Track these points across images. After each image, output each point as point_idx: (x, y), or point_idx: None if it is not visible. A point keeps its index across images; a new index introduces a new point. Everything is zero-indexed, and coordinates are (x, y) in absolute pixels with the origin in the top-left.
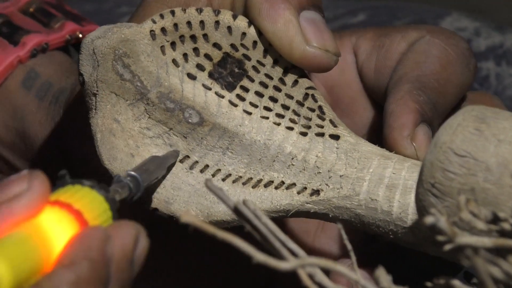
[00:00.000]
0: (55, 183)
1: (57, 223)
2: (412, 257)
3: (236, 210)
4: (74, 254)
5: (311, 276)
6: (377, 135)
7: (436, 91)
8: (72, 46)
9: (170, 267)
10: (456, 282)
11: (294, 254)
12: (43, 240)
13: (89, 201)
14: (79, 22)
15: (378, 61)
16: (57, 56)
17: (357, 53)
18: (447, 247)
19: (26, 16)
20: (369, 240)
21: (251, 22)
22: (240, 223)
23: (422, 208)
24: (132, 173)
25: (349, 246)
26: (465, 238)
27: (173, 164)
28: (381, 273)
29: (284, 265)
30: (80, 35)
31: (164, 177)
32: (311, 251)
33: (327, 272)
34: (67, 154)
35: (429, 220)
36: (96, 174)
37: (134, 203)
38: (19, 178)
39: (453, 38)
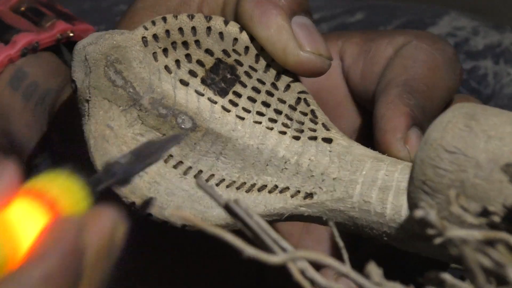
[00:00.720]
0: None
1: (26, 215)
2: (402, 260)
3: (227, 208)
4: (44, 247)
5: (302, 272)
6: (363, 139)
7: (424, 95)
8: (64, 46)
9: (163, 267)
10: (446, 276)
11: (285, 251)
12: (8, 235)
13: (66, 189)
14: (70, 21)
15: (365, 66)
16: (45, 56)
17: (343, 57)
18: (437, 240)
19: (17, 14)
20: (356, 245)
21: (242, 28)
22: (234, 228)
23: (413, 206)
24: (121, 160)
25: (340, 244)
26: (455, 231)
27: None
28: (372, 268)
29: (274, 259)
30: (71, 34)
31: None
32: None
33: (317, 268)
34: (53, 155)
35: (418, 213)
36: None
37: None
38: None
39: (439, 43)
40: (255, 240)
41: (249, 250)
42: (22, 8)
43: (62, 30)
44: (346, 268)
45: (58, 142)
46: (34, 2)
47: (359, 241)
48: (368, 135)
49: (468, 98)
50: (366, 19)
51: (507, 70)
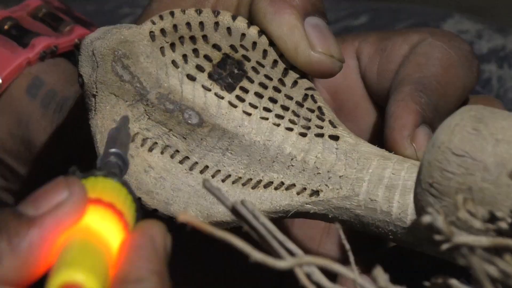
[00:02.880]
0: None
1: (102, 221)
2: (417, 262)
3: (233, 210)
4: (137, 268)
5: (308, 276)
6: (381, 138)
7: (437, 93)
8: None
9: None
10: (453, 282)
11: (292, 254)
12: (100, 241)
13: (111, 190)
14: (88, 27)
15: (381, 65)
16: (61, 64)
17: (360, 57)
18: (444, 246)
19: (36, 20)
20: (374, 246)
21: (250, 23)
22: (240, 224)
23: (420, 208)
24: (115, 150)
25: (347, 246)
26: (462, 237)
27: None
28: (379, 272)
29: (281, 264)
30: None
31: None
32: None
33: (333, 274)
34: (71, 162)
35: (426, 219)
36: None
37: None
38: (56, 185)
39: (455, 40)
40: (262, 243)
41: (256, 255)
42: (40, 14)
43: (80, 35)
44: (353, 273)
45: (78, 147)
46: (52, 8)
47: (379, 240)
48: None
49: (487, 98)
50: (370, 22)
51: (511, 74)
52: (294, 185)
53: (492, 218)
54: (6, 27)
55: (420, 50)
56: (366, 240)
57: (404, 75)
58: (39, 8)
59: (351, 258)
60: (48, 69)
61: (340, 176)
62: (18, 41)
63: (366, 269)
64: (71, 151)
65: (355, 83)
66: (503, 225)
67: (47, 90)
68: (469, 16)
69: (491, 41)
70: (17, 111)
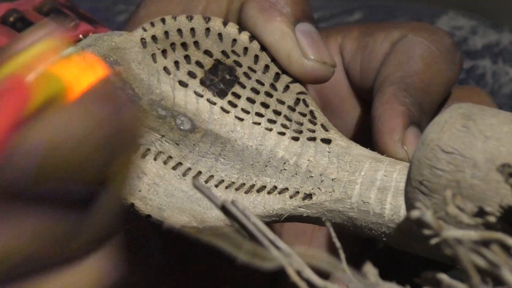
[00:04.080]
0: None
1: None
2: (411, 264)
3: (223, 209)
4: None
5: (298, 272)
6: (369, 134)
7: (421, 91)
8: None
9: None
10: (443, 276)
11: (283, 252)
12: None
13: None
14: (92, 24)
15: (363, 63)
16: None
17: (343, 54)
18: (433, 240)
19: (41, 14)
20: (368, 248)
21: (241, 29)
22: (231, 224)
23: (411, 206)
24: None
25: (337, 244)
26: (451, 232)
27: None
28: (369, 268)
29: (268, 265)
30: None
31: None
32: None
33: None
34: None
35: (414, 214)
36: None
37: None
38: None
39: (436, 34)
40: (252, 242)
41: (242, 256)
42: (45, 9)
43: (84, 31)
44: (342, 268)
45: None
46: (57, 3)
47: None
48: (371, 135)
49: (471, 89)
50: (364, 19)
51: (505, 69)
52: (287, 189)
53: (481, 213)
54: (11, 19)
55: (401, 47)
56: (361, 243)
57: (386, 75)
58: (44, 3)
59: (342, 255)
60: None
61: (332, 179)
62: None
63: (356, 265)
64: None
65: (340, 79)
66: (492, 219)
67: None
68: (463, 12)
69: (486, 37)
70: None
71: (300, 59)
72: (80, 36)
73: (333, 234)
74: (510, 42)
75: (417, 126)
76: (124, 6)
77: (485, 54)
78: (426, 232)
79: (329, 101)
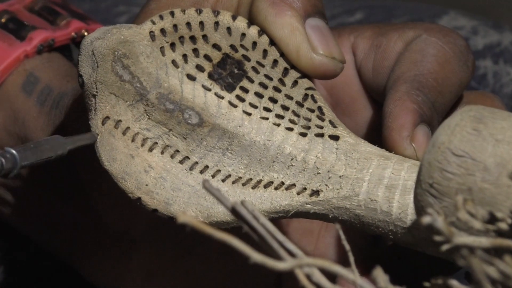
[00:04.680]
0: None
1: None
2: (417, 261)
3: (233, 211)
4: None
5: (308, 277)
6: (378, 133)
7: (434, 90)
8: (76, 46)
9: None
10: (453, 282)
11: (292, 254)
12: None
13: None
14: (84, 21)
15: (376, 61)
16: (56, 59)
17: (356, 52)
18: (444, 247)
19: (32, 13)
20: (374, 245)
21: (250, 23)
22: (240, 224)
23: (420, 208)
24: (10, 149)
25: (347, 247)
26: (462, 238)
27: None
28: (379, 273)
29: (281, 265)
30: (86, 33)
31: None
32: (315, 251)
33: (333, 275)
34: (70, 159)
35: (426, 220)
36: (100, 177)
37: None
38: None
39: (450, 35)
40: (261, 243)
41: (256, 256)
42: (37, 8)
43: (77, 29)
44: (353, 274)
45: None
46: (48, 1)
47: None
48: (381, 131)
49: (483, 94)
50: (365, 19)
51: (506, 69)
52: (294, 185)
53: (492, 219)
54: (3, 20)
55: (415, 47)
56: (367, 239)
57: (399, 73)
58: (35, 1)
59: (351, 259)
60: (42, 66)
61: (340, 176)
62: (15, 35)
63: (365, 267)
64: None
65: (351, 78)
66: (503, 225)
67: (43, 86)
68: (464, 12)
69: (487, 37)
70: (13, 108)
71: (309, 54)
72: (73, 34)
73: (343, 237)
74: (511, 42)
75: (427, 125)
76: (125, 7)
77: (486, 54)
78: (437, 238)
79: (340, 100)
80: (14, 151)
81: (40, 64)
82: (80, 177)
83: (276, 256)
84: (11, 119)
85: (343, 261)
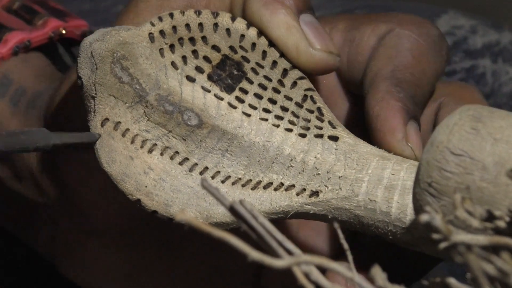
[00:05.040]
0: None
1: None
2: (400, 251)
3: (232, 210)
4: None
5: (306, 275)
6: (357, 126)
7: (412, 85)
8: (60, 44)
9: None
10: (452, 281)
11: (291, 254)
12: None
13: None
14: (62, 18)
15: (350, 55)
16: (32, 59)
17: None
18: (442, 245)
19: (9, 13)
20: (354, 236)
21: (250, 24)
22: (239, 224)
23: (419, 207)
24: None
25: (345, 246)
26: (460, 236)
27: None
28: (376, 271)
29: (279, 263)
30: (64, 31)
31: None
32: (296, 242)
33: (322, 270)
34: (52, 158)
35: (424, 218)
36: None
37: None
38: None
39: (423, 27)
40: (260, 242)
41: (254, 254)
42: (14, 7)
43: (54, 28)
44: (352, 273)
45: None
46: (25, 0)
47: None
48: (361, 123)
49: (462, 86)
50: None
51: (505, 69)
52: (293, 186)
53: (490, 217)
54: None
55: (389, 42)
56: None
57: (376, 70)
58: (13, 1)
59: (350, 257)
60: (16, 67)
61: (339, 177)
62: None
63: (359, 262)
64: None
65: None
66: (501, 223)
67: (16, 88)
68: (463, 12)
69: (486, 36)
70: None
71: (308, 50)
72: (50, 33)
73: (341, 236)
74: (510, 41)
75: (415, 120)
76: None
77: (485, 54)
78: (435, 236)
79: (319, 92)
80: None
81: (14, 66)
82: (62, 170)
83: (274, 255)
84: None
85: (322, 253)
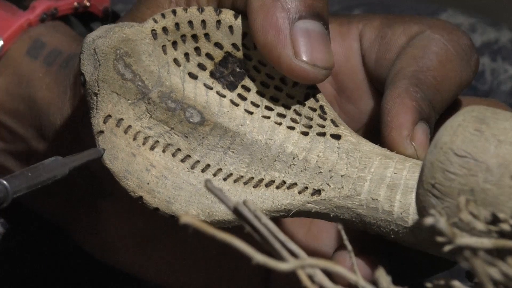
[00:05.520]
0: None
1: None
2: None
3: (236, 211)
4: None
5: (310, 277)
6: (378, 123)
7: (432, 88)
8: (76, 18)
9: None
10: (455, 283)
11: (294, 255)
12: None
13: None
14: None
15: (379, 52)
16: (61, 27)
17: (362, 41)
18: (447, 248)
19: None
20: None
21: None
22: (241, 224)
23: (422, 208)
24: (1, 180)
25: (349, 247)
26: (465, 239)
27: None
28: (381, 274)
29: (283, 266)
30: (88, 4)
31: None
32: (308, 233)
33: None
34: (76, 118)
35: (428, 221)
36: None
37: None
38: None
39: (454, 33)
40: (264, 244)
41: (258, 257)
42: None
43: (45, 9)
44: (356, 276)
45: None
46: None
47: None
48: (380, 128)
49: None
50: None
51: (504, 67)
52: (295, 184)
53: (495, 220)
54: None
55: (418, 42)
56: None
57: (399, 68)
58: None
59: (354, 259)
60: (47, 31)
61: (342, 175)
62: (18, 4)
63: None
64: (76, 107)
65: (357, 66)
66: (506, 226)
67: (50, 50)
68: (462, 10)
69: (485, 34)
70: (16, 72)
71: (288, 59)
72: (75, 3)
73: (345, 237)
74: (509, 39)
75: (426, 122)
76: (123, 6)
77: (484, 52)
78: (439, 239)
79: (345, 87)
80: (5, 182)
81: (45, 31)
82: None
83: (278, 256)
84: (15, 82)
85: (337, 243)
